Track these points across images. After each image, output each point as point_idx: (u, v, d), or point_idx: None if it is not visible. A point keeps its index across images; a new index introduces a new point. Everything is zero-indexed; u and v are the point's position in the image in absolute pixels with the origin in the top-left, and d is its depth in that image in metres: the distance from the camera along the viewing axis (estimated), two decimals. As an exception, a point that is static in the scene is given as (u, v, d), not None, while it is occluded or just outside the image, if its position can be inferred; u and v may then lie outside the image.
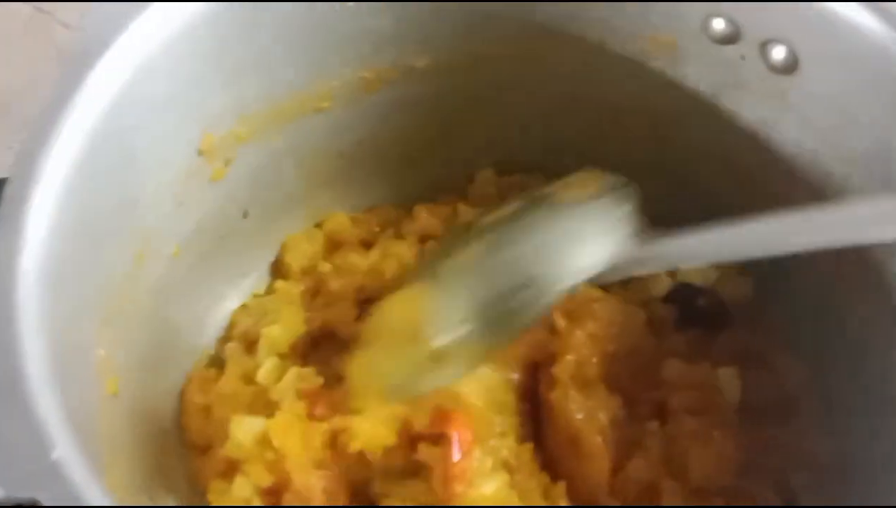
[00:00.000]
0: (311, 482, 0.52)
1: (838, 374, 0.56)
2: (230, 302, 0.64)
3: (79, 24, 0.80)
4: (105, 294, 0.49)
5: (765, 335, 0.60)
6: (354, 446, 0.52)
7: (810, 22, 0.50)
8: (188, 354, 0.61)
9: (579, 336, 0.56)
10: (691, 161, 0.61)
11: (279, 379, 0.56)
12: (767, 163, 0.56)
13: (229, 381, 0.58)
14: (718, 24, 0.53)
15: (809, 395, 0.58)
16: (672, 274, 0.62)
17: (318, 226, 0.67)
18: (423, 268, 0.55)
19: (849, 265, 0.54)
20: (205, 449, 0.57)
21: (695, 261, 0.58)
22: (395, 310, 0.53)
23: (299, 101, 0.59)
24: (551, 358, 0.56)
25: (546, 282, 0.49)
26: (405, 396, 0.53)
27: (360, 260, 0.64)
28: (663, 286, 0.61)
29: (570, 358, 0.55)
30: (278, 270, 0.66)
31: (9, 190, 0.44)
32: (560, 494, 0.54)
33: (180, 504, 0.55)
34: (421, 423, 0.52)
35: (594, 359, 0.56)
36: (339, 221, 0.67)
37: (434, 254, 0.58)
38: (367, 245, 0.66)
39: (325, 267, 0.64)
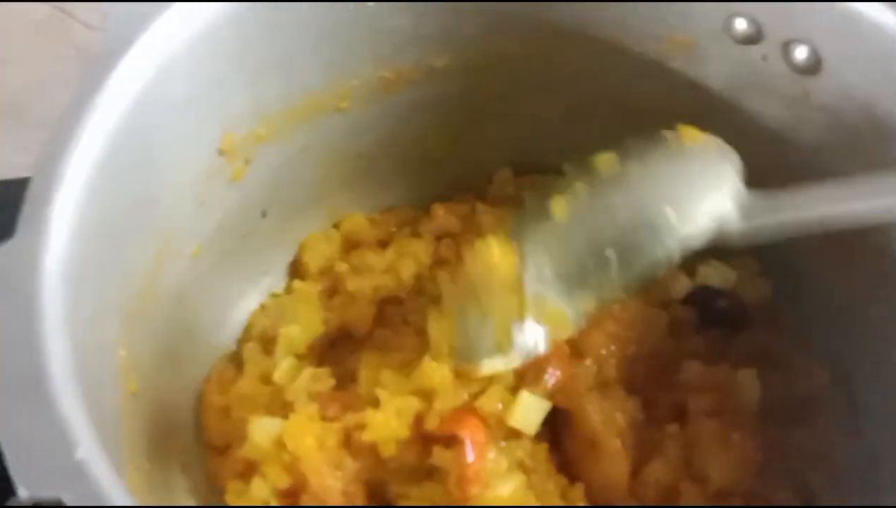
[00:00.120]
0: (328, 483, 0.52)
1: (861, 375, 0.56)
2: (249, 301, 0.64)
3: (99, 24, 0.80)
4: (126, 293, 0.49)
5: (784, 336, 0.60)
6: (367, 437, 0.52)
7: (833, 22, 0.50)
8: (207, 353, 0.61)
9: (599, 337, 0.56)
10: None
11: (295, 379, 0.56)
12: (790, 164, 0.55)
13: (248, 382, 0.58)
14: (741, 25, 0.53)
15: (829, 396, 0.57)
16: (691, 275, 0.61)
17: (336, 226, 0.67)
18: (524, 215, 0.51)
19: (869, 265, 0.53)
20: (223, 450, 0.57)
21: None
22: (492, 256, 0.49)
23: (319, 102, 0.59)
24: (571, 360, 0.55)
25: (669, 226, 0.46)
26: (479, 358, 0.50)
27: (377, 260, 0.64)
28: (683, 288, 0.61)
29: (589, 360, 0.55)
30: (296, 270, 0.66)
31: (31, 190, 0.44)
32: (578, 496, 0.54)
33: (199, 504, 0.55)
34: (432, 423, 0.52)
35: (613, 361, 0.56)
36: (357, 222, 0.67)
37: (533, 201, 0.52)
38: (384, 245, 0.66)
39: (343, 267, 0.64)
